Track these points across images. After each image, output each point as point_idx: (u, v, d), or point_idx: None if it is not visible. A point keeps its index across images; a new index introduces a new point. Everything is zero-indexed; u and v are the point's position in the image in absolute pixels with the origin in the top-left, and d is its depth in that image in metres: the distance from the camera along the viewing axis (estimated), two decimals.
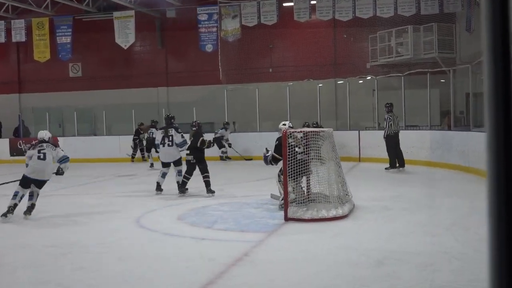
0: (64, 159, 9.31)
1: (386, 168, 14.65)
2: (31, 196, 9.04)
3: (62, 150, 9.50)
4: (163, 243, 7.05)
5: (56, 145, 9.62)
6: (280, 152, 8.75)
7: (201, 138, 11.01)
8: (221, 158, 19.64)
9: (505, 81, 0.96)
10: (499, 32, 0.95)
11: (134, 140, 20.02)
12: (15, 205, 8.78)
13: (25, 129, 24.45)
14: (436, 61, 19.69)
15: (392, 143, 14.58)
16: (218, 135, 19.61)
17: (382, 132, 17.11)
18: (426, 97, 17.07)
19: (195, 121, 12.03)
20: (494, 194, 0.98)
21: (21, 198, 8.93)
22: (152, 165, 17.98)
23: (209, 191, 10.87)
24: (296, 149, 8.59)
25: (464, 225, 7.51)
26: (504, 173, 0.96)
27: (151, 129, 18.90)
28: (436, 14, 19.12)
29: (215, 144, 11.39)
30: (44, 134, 9.61)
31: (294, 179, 8.52)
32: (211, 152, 19.22)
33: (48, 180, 9.26)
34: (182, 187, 11.11)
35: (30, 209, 8.91)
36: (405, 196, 10.25)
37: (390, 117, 14.62)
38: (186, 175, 11.07)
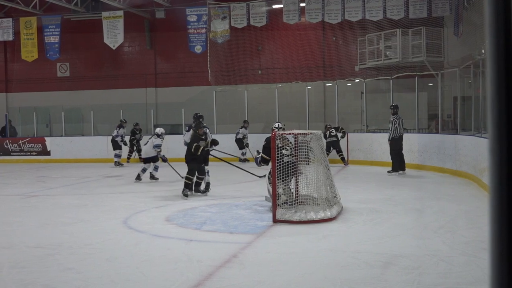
0: (154, 146, 13.57)
1: (388, 172, 14.55)
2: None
3: (160, 139, 13.72)
4: (151, 245, 7.01)
5: (160, 137, 13.75)
6: (268, 153, 8.77)
7: (196, 144, 10.90)
8: (240, 160, 19.20)
9: (508, 84, 0.95)
10: (502, 35, 0.95)
11: (131, 140, 19.90)
12: (143, 172, 13.98)
13: (12, 129, 24.28)
14: (424, 64, 19.80)
15: (398, 146, 14.41)
16: (239, 135, 19.36)
17: (370, 135, 17.19)
18: (414, 101, 17.15)
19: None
20: (497, 198, 0.97)
21: (151, 169, 13.98)
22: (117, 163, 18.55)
23: (183, 191, 10.88)
24: (283, 151, 8.59)
25: (452, 228, 7.54)
26: (506, 176, 0.96)
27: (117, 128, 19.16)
28: (424, 18, 19.24)
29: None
30: (158, 130, 13.99)
31: (283, 180, 8.52)
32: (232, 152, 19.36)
33: (151, 156, 13.73)
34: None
35: (152, 176, 13.99)
36: (393, 199, 10.28)
37: (396, 120, 14.37)
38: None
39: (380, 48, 20.96)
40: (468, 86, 15.22)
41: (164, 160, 13.78)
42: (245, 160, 19.34)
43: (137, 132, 20.06)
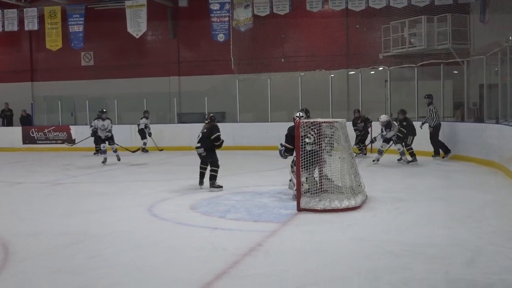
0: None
1: (433, 156, 15.10)
2: None
3: None
4: (176, 233, 7.05)
5: None
6: (291, 141, 8.74)
7: (218, 134, 10.54)
8: (143, 150, 19.57)
9: None
10: None
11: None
12: None
13: (30, 118, 24.57)
14: (450, 52, 19.52)
15: (438, 132, 15.01)
16: (141, 126, 19.66)
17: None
18: (439, 89, 16.95)
19: (208, 114, 11.60)
20: None
21: None
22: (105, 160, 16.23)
23: (212, 185, 10.38)
24: (306, 139, 8.54)
25: (478, 217, 7.46)
26: None
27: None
28: (450, 5, 18.97)
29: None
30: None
31: (306, 169, 8.49)
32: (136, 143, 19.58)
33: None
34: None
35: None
36: (418, 188, 10.19)
37: (436, 108, 15.07)
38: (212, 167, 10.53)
39: (404, 35, 20.70)
40: (494, 74, 14.97)
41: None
42: (146, 151, 19.54)
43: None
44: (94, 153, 18.78)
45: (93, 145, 18.50)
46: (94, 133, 16.28)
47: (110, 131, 16.17)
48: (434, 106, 15.02)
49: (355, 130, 16.88)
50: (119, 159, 16.05)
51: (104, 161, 15.95)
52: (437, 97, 17.02)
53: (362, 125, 16.96)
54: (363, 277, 4.98)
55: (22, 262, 5.76)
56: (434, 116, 14.88)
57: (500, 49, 13.50)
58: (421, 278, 4.91)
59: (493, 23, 16.98)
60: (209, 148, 10.48)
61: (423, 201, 8.81)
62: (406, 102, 19.16)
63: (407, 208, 8.22)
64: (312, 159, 8.48)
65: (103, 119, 16.25)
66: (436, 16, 19.67)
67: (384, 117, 14.39)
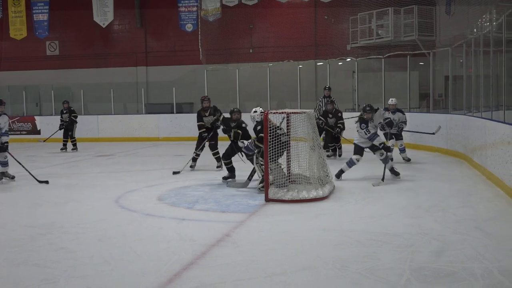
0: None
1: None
2: None
3: None
4: (143, 224, 6.99)
5: None
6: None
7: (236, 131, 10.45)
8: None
9: None
10: None
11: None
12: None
13: None
14: (416, 43, 19.76)
15: None
16: None
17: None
18: (406, 80, 17.13)
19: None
20: None
21: None
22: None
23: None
24: (278, 131, 8.54)
25: (444, 207, 7.57)
26: None
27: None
28: None
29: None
30: None
31: (273, 160, 8.50)
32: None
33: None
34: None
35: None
36: (385, 178, 10.27)
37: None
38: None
39: (372, 27, 20.87)
40: (459, 65, 15.20)
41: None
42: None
43: (64, 112, 17.21)
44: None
45: (61, 137, 17.09)
46: None
47: (7, 132, 11.04)
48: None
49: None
50: (11, 177, 11.05)
51: (12, 177, 11.08)
52: (403, 88, 17.24)
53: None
54: (331, 266, 5.02)
55: None
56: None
57: (464, 41, 13.69)
58: (388, 267, 4.96)
59: (459, 15, 17.21)
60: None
61: (390, 191, 8.91)
62: (373, 92, 19.36)
63: (374, 198, 8.31)
64: (281, 149, 8.50)
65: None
66: (403, 8, 19.87)
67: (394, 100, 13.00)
